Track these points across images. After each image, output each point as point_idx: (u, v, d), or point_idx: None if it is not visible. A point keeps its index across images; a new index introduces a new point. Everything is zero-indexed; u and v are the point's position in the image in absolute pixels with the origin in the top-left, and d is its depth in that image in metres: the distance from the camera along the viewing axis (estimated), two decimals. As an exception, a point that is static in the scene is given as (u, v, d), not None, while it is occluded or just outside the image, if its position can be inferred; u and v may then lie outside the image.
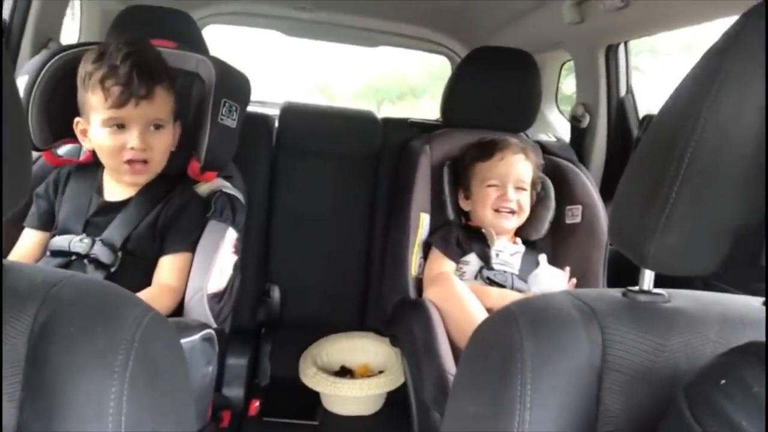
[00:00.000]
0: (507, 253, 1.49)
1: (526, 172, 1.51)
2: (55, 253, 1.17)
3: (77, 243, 1.16)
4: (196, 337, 1.01)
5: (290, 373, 1.75)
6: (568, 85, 2.23)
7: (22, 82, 1.16)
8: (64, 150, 1.32)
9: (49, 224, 1.22)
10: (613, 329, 0.58)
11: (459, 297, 1.30)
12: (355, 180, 1.93)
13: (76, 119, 1.17)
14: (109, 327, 0.52)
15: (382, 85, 5.93)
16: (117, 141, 1.13)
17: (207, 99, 1.23)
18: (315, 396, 1.73)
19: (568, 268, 1.41)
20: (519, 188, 1.49)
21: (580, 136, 1.89)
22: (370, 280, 1.91)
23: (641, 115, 1.79)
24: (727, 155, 0.51)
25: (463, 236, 1.48)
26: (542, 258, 1.39)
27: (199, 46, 1.42)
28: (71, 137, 1.24)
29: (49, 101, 1.18)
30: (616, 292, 0.64)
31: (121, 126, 1.12)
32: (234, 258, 1.26)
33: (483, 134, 1.59)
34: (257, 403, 1.69)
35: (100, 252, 1.15)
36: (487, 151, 1.52)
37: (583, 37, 1.77)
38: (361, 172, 1.93)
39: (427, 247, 1.51)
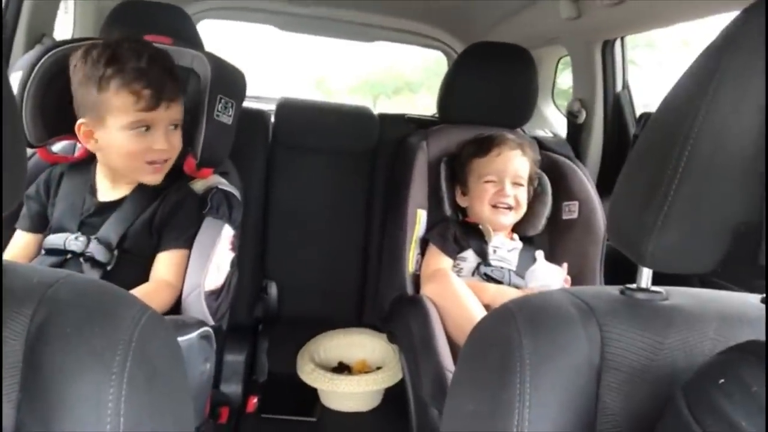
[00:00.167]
0: (504, 249, 1.49)
1: (524, 167, 1.51)
2: (50, 252, 1.16)
3: (72, 241, 1.15)
4: (194, 335, 1.01)
5: (288, 369, 1.75)
6: (565, 79, 2.23)
7: (15, 78, 1.15)
8: (58, 147, 1.31)
9: (40, 226, 1.21)
10: (612, 327, 0.58)
11: (456, 293, 1.30)
12: (351, 176, 1.93)
13: (80, 121, 1.13)
14: (106, 327, 0.52)
15: (378, 80, 5.91)
16: (143, 143, 1.11)
17: (202, 95, 1.22)
18: (313, 392, 1.73)
19: (565, 264, 1.41)
20: (516, 184, 1.49)
21: (577, 132, 1.89)
22: (368, 276, 1.91)
23: (637, 110, 1.80)
24: (727, 153, 0.51)
25: (460, 232, 1.48)
26: (539, 254, 1.39)
27: (194, 42, 1.41)
28: (66, 134, 1.24)
29: (43, 97, 1.16)
30: (614, 290, 0.64)
31: (146, 128, 1.11)
32: (231, 255, 1.25)
33: (480, 130, 1.59)
34: (255, 400, 1.69)
35: (96, 250, 1.14)
36: (484, 147, 1.52)
37: (579, 33, 1.76)
38: (358, 168, 1.92)
39: (424, 244, 1.51)
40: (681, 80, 0.56)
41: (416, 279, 1.47)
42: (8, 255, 1.18)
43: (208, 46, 1.40)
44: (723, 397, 0.43)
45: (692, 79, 0.54)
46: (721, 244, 0.54)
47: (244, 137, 1.37)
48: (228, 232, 1.23)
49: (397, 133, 1.81)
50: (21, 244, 1.20)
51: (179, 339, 0.96)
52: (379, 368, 1.75)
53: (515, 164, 1.49)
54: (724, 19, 0.53)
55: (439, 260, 1.44)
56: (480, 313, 1.26)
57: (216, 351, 1.12)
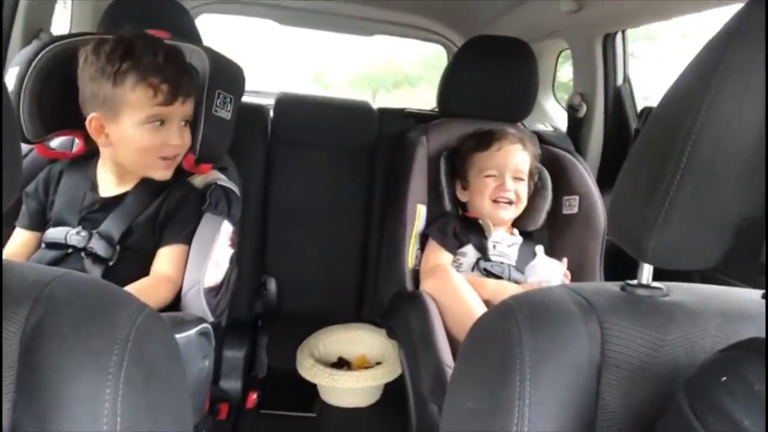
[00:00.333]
0: (504, 244, 1.48)
1: (524, 162, 1.50)
2: (51, 245, 1.16)
3: (74, 236, 1.14)
4: (192, 332, 1.01)
5: (287, 365, 1.74)
6: (565, 73, 2.22)
7: (12, 74, 1.14)
8: (56, 143, 1.31)
9: (39, 224, 1.21)
10: (612, 324, 0.57)
11: (456, 289, 1.30)
12: (351, 171, 1.92)
13: (92, 115, 1.12)
14: (102, 326, 0.52)
15: (377, 74, 5.90)
16: (158, 138, 1.12)
17: (201, 90, 1.22)
18: (313, 388, 1.73)
19: (565, 260, 1.40)
20: (517, 178, 1.48)
21: (577, 126, 1.88)
22: (367, 271, 1.91)
23: (638, 103, 1.79)
24: (729, 148, 0.50)
25: (460, 227, 1.48)
26: (539, 249, 1.39)
27: (193, 36, 1.40)
28: (64, 129, 1.23)
29: (40, 93, 1.16)
30: (615, 286, 0.64)
31: (160, 123, 1.12)
32: (230, 251, 1.25)
33: (480, 124, 1.58)
34: (255, 396, 1.69)
35: (98, 246, 1.14)
36: (484, 141, 1.51)
37: (580, 26, 1.75)
38: (357, 162, 1.92)
39: (424, 239, 1.50)
40: (683, 74, 0.55)
41: (416, 274, 1.46)
42: (7, 252, 1.18)
43: (207, 41, 1.39)
44: (725, 395, 0.42)
45: (695, 73, 0.54)
46: (723, 240, 0.54)
47: (242, 132, 1.36)
48: (227, 228, 1.23)
49: (397, 128, 1.80)
50: (20, 242, 1.20)
51: (178, 336, 0.96)
52: (378, 364, 1.75)
53: (516, 159, 1.49)
54: (725, 12, 0.52)
55: (438, 255, 1.44)
56: (479, 309, 1.26)
57: (215, 347, 1.12)
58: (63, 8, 1.81)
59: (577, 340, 0.56)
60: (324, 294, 1.93)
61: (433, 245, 1.46)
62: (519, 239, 1.52)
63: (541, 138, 1.67)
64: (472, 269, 1.45)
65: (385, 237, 1.64)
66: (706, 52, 0.53)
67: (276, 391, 1.74)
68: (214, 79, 1.21)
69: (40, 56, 1.16)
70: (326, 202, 1.92)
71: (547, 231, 1.59)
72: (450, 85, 1.65)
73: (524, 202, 1.51)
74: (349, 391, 1.69)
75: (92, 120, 1.12)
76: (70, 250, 1.15)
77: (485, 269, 1.43)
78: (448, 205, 1.55)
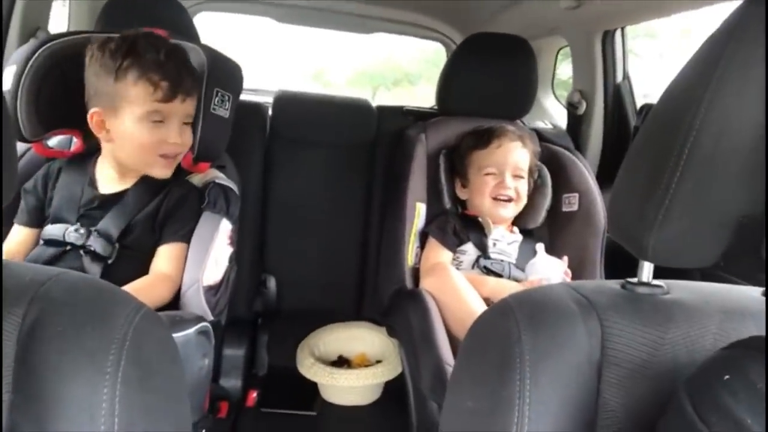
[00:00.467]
0: (504, 242, 1.48)
1: (524, 159, 1.50)
2: (49, 243, 1.16)
3: (72, 233, 1.14)
4: (191, 330, 1.01)
5: (288, 363, 1.74)
6: (564, 70, 2.21)
7: (9, 72, 1.14)
8: (54, 141, 1.30)
9: (38, 221, 1.21)
10: (612, 322, 0.57)
11: (455, 287, 1.30)
12: (350, 169, 1.92)
13: (93, 110, 1.13)
14: (99, 326, 0.51)
15: (377, 72, 5.91)
16: (156, 135, 1.12)
17: (199, 88, 1.21)
18: (313, 386, 1.73)
19: (566, 258, 1.40)
20: (516, 176, 1.48)
21: (577, 123, 1.87)
22: (367, 269, 1.91)
23: (638, 100, 1.78)
24: (729, 144, 0.50)
25: (460, 225, 1.48)
26: (539, 247, 1.39)
27: (191, 35, 1.39)
28: (61, 128, 1.23)
29: (38, 92, 1.15)
30: (615, 284, 0.63)
31: (160, 121, 1.12)
32: (229, 250, 1.25)
33: (479, 122, 1.58)
34: (255, 394, 1.69)
35: (97, 243, 1.13)
36: (484, 138, 1.51)
37: (579, 23, 1.75)
38: (356, 160, 1.91)
39: (423, 237, 1.50)
40: (683, 71, 0.55)
41: (415, 273, 1.46)
42: (5, 249, 1.17)
43: (205, 40, 1.39)
44: (728, 395, 0.42)
45: (695, 69, 0.53)
46: (723, 237, 0.54)
47: (241, 130, 1.36)
48: (226, 227, 1.23)
49: (396, 126, 1.79)
50: (18, 239, 1.20)
51: (177, 335, 0.96)
52: (378, 362, 1.75)
53: (515, 156, 1.48)
54: (725, 8, 0.52)
55: (438, 253, 1.44)
56: (479, 307, 1.25)
57: (215, 345, 1.11)
58: (62, 6, 1.81)
59: (577, 339, 0.56)
60: (324, 292, 1.92)
61: (432, 243, 1.46)
62: (519, 237, 1.51)
63: (541, 135, 1.66)
64: (472, 267, 1.44)
65: (385, 235, 1.64)
66: (706, 48, 0.52)
67: (276, 389, 1.74)
68: (211, 77, 1.21)
69: (37, 54, 1.16)
70: (325, 200, 1.91)
71: (547, 229, 1.59)
72: (449, 82, 1.64)
73: (524, 200, 1.50)
74: (349, 389, 1.68)
75: (93, 115, 1.13)
76: (68, 248, 1.14)
77: (485, 267, 1.43)
78: (447, 203, 1.55)
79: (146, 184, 1.20)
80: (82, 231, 1.14)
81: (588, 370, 0.55)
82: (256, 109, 1.75)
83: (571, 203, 1.54)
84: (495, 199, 1.47)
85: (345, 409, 1.72)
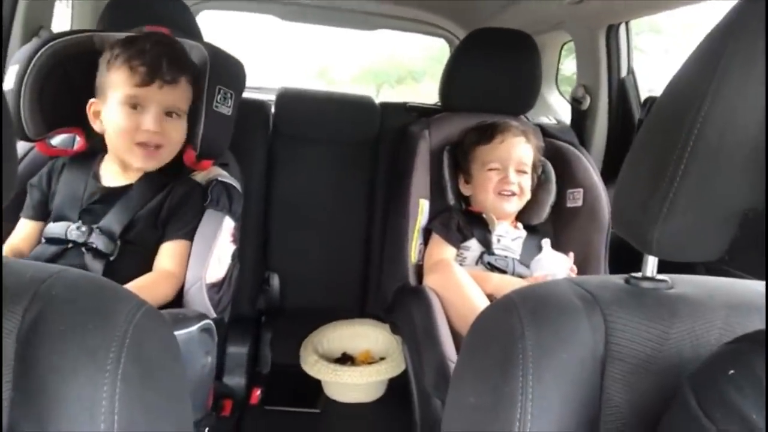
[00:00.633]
0: (508, 238, 1.48)
1: (527, 154, 1.49)
2: (51, 241, 1.16)
3: (74, 231, 1.14)
4: (194, 328, 1.00)
5: (291, 360, 1.74)
6: (568, 65, 2.20)
7: (12, 71, 1.14)
8: (57, 140, 1.31)
9: (43, 215, 1.21)
10: (616, 317, 0.56)
11: (459, 284, 1.29)
12: (353, 166, 1.91)
13: (92, 100, 1.16)
14: (100, 324, 0.51)
15: (381, 69, 5.90)
16: (132, 121, 1.12)
17: (201, 86, 1.21)
18: (317, 383, 1.73)
19: (572, 254, 1.39)
20: (520, 171, 1.47)
21: (581, 118, 1.87)
22: (370, 266, 1.91)
23: (643, 95, 1.77)
24: (734, 137, 0.49)
25: (463, 222, 1.47)
26: (545, 242, 1.38)
27: (193, 33, 1.39)
28: (64, 127, 1.23)
29: (41, 91, 1.16)
30: (619, 279, 0.63)
31: (137, 107, 1.13)
32: (232, 247, 1.25)
33: (482, 118, 1.57)
34: (258, 392, 1.69)
35: (99, 240, 1.13)
36: (487, 134, 1.50)
37: (583, 18, 1.74)
38: (360, 157, 1.91)
39: (427, 234, 1.50)
40: (686, 64, 0.54)
41: (419, 269, 1.46)
42: (11, 243, 1.18)
43: (209, 38, 1.38)
44: (733, 390, 0.41)
45: (698, 62, 0.52)
46: (728, 231, 0.53)
47: (244, 128, 1.36)
48: (229, 224, 1.22)
49: (399, 122, 1.79)
50: (24, 234, 1.20)
51: (179, 332, 0.96)
52: (382, 359, 1.74)
53: (519, 151, 1.48)
54: (728, 1, 0.51)
55: (442, 250, 1.43)
56: (483, 303, 1.25)
57: (218, 343, 1.11)
58: (66, 7, 1.81)
59: (580, 334, 0.55)
60: (327, 289, 1.92)
61: (436, 240, 1.46)
62: (523, 233, 1.51)
63: (545, 131, 1.65)
64: (476, 263, 1.44)
65: (388, 232, 1.64)
66: (709, 42, 0.52)
67: (280, 387, 1.74)
68: (214, 75, 1.21)
69: (40, 53, 1.16)
70: (328, 197, 1.91)
71: (552, 224, 1.58)
72: (452, 78, 1.64)
73: (528, 195, 1.50)
74: (353, 386, 1.68)
75: (91, 105, 1.16)
76: (70, 245, 1.14)
77: (489, 263, 1.42)
78: (451, 199, 1.54)
79: (149, 180, 1.20)
80: (83, 228, 1.14)
81: (591, 366, 0.55)
82: (259, 106, 1.75)
83: (575, 199, 1.53)
84: (498, 194, 1.46)
85: (349, 407, 1.72)
